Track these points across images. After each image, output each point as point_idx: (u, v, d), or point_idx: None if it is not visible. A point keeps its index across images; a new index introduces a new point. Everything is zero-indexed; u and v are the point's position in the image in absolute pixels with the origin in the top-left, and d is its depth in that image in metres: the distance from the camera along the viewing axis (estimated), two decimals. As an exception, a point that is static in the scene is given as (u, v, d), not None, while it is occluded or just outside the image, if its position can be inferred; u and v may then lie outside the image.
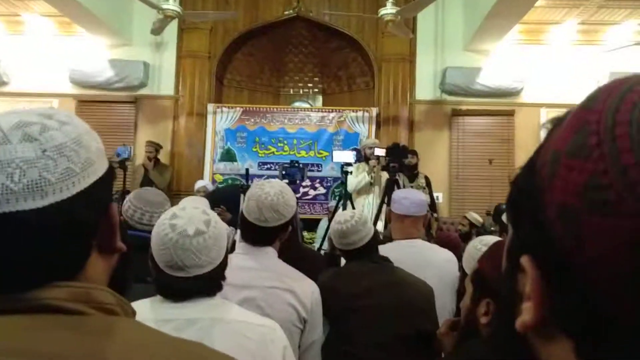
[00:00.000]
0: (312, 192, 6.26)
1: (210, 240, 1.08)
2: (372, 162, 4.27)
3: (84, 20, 5.81)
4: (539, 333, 0.36)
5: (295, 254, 2.09)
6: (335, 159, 3.89)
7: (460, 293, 1.45)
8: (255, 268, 1.60)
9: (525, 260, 0.35)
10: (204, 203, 2.35)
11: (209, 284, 1.08)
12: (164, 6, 4.89)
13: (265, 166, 6.27)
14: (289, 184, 3.09)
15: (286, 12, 6.60)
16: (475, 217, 5.17)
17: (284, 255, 1.76)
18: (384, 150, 3.65)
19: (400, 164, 3.60)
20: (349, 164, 3.74)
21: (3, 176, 0.48)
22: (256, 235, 1.65)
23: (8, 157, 0.49)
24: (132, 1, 5.98)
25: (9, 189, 0.48)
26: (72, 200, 0.51)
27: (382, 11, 4.92)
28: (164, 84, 6.61)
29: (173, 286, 1.06)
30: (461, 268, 1.44)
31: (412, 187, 5.44)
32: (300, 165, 3.27)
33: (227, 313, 1.10)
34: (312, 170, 6.25)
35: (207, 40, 6.59)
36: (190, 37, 6.57)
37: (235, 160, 6.32)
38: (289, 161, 3.34)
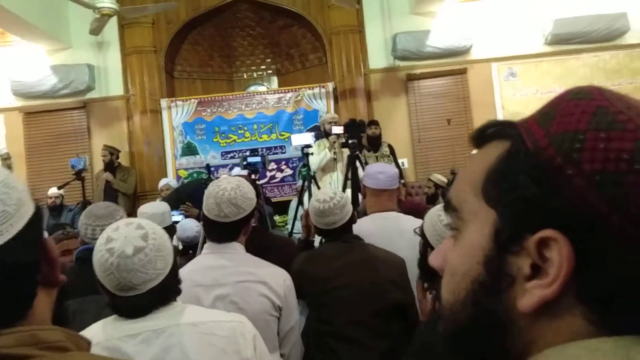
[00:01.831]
0: (279, 175, 6.24)
1: (152, 253, 1.06)
2: (332, 137, 4.27)
3: (16, 27, 5.53)
4: (546, 311, 0.36)
5: (266, 244, 2.11)
6: (294, 143, 3.88)
7: (422, 256, 1.49)
8: (223, 265, 1.61)
9: (553, 234, 0.36)
10: (162, 207, 2.31)
11: (165, 293, 1.08)
12: (99, 5, 4.69)
13: (229, 155, 6.21)
14: (251, 173, 3.09)
15: (228, -4, 6.44)
16: (439, 177, 5.28)
17: (253, 247, 1.78)
18: (342, 128, 3.66)
19: (359, 139, 3.62)
20: (309, 146, 3.73)
21: None
22: (220, 232, 1.65)
23: None
24: (66, 2, 5.72)
25: None
26: (11, 242, 0.51)
27: None
28: (112, 84, 6.40)
29: (129, 305, 1.05)
30: (422, 232, 1.47)
31: (376, 157, 5.51)
32: (261, 152, 3.25)
33: (193, 316, 1.11)
34: (277, 153, 6.23)
35: (150, 34, 6.38)
36: (133, 33, 6.35)
37: (198, 153, 6.23)
38: (248, 150, 3.31)
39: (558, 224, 0.36)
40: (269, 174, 6.10)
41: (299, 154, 5.94)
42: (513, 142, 0.40)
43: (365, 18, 6.48)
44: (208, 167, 3.67)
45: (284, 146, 6.22)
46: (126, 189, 5.71)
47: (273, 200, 5.54)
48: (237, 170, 3.81)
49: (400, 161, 6.04)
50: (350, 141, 3.59)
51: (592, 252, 0.35)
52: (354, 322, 1.79)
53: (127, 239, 1.05)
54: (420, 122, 6.45)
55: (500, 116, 6.39)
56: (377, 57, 6.51)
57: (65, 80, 6.16)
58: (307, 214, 2.13)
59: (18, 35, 5.84)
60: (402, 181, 5.75)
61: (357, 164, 3.54)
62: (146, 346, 1.02)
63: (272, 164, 6.11)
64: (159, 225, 2.15)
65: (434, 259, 0.47)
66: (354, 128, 3.66)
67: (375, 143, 5.50)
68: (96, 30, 5.07)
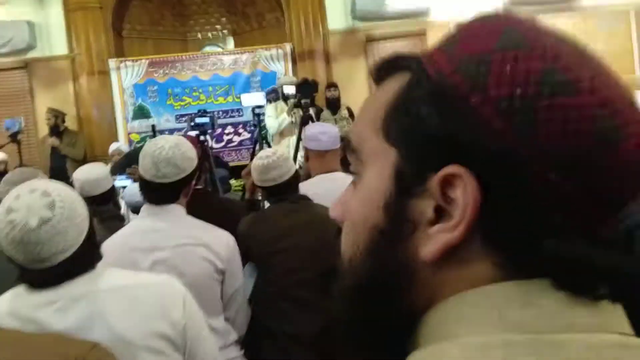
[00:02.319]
0: (236, 139, 6.10)
1: (61, 224, 0.94)
2: (292, 100, 4.18)
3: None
4: (451, 258, 0.32)
5: (211, 207, 2.04)
6: (244, 103, 3.76)
7: None
8: (162, 228, 1.53)
9: (457, 170, 0.31)
10: (96, 171, 2.15)
11: (82, 261, 0.99)
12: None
13: (184, 118, 5.99)
14: (200, 134, 2.97)
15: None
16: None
17: (197, 210, 1.70)
18: (294, 87, 3.57)
19: (312, 99, 3.54)
20: (260, 106, 3.63)
21: None
22: (158, 193, 1.56)
23: None
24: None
25: None
26: None
27: None
28: (56, 43, 6.01)
29: (42, 278, 0.95)
30: None
31: (335, 119, 5.45)
32: (210, 113, 3.13)
33: (115, 281, 1.03)
34: (233, 117, 6.07)
35: (95, -12, 5.99)
36: (76, -13, 5.94)
37: (150, 116, 5.98)
38: (196, 111, 3.18)
39: (464, 159, 0.31)
40: (226, 137, 5.96)
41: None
42: (415, 72, 0.35)
43: (324, -25, 6.28)
44: (154, 128, 3.48)
45: (241, 109, 6.04)
46: (75, 155, 5.45)
47: (231, 164, 5.41)
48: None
49: (359, 124, 6.01)
50: (302, 101, 3.51)
51: (499, 188, 0.31)
52: (303, 283, 1.77)
53: (30, 209, 0.92)
54: (380, 84, 6.39)
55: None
56: (337, 18, 6.35)
57: (3, 37, 5.74)
58: (248, 173, 2.06)
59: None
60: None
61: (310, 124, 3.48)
62: (63, 314, 0.94)
63: (229, 127, 5.96)
64: (96, 191, 2.06)
65: (333, 210, 0.42)
66: (306, 88, 3.56)
67: (334, 106, 5.43)
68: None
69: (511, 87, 0.30)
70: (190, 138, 2.06)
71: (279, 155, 1.87)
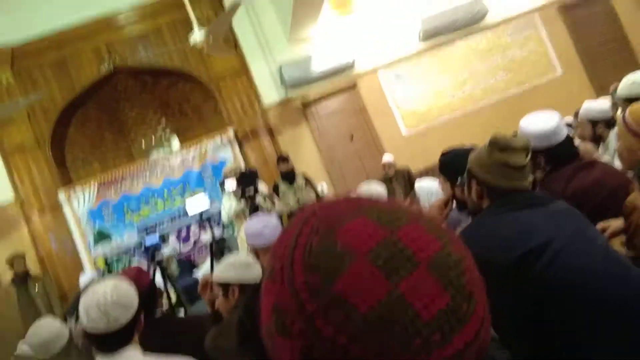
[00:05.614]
0: (204, 237, 6.02)
1: None
2: (237, 193, 4.16)
3: None
4: None
5: (173, 331, 1.98)
6: (189, 212, 3.73)
7: None
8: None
9: None
10: (50, 333, 2.06)
11: None
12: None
13: (147, 229, 5.90)
14: (153, 254, 2.91)
15: (103, 70, 6.23)
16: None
17: (159, 338, 1.64)
18: (234, 181, 3.58)
19: (254, 187, 3.56)
20: (204, 213, 3.60)
21: None
22: (112, 340, 1.49)
23: None
24: None
25: None
26: None
27: (192, 38, 4.79)
28: (0, 190, 5.93)
29: None
30: None
31: (294, 190, 5.46)
32: (159, 227, 3.09)
33: None
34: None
35: (29, 128, 6.01)
36: (9, 131, 5.95)
37: (111, 238, 5.87)
38: (154, 225, 3.12)
39: None
40: (192, 237, 5.88)
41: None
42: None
43: (247, 57, 6.50)
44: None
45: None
46: (52, 298, 5.23)
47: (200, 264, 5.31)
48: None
49: (319, 186, 6.06)
50: (246, 192, 3.51)
51: None
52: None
53: None
54: (328, 143, 6.52)
55: (399, 117, 6.62)
56: (269, 92, 6.54)
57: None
58: (204, 287, 1.96)
59: None
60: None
61: (258, 211, 3.47)
62: None
63: (193, 226, 5.89)
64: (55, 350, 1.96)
65: None
66: (245, 178, 3.58)
67: (290, 177, 5.47)
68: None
69: None
70: (136, 270, 2.00)
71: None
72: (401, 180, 5.44)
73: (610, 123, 2.94)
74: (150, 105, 7.01)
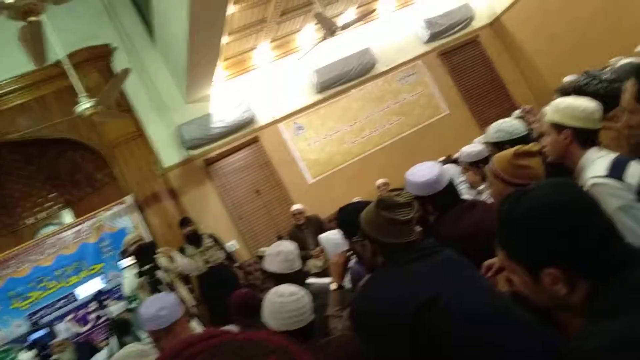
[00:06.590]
0: (103, 316, 5.49)
1: None
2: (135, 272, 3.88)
3: None
4: None
5: None
6: (80, 297, 3.42)
7: None
8: None
9: None
10: None
11: None
12: None
13: (38, 314, 5.28)
14: (40, 351, 2.56)
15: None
16: (263, 249, 5.20)
17: None
18: (133, 258, 3.35)
19: (153, 262, 3.34)
20: (101, 293, 3.32)
21: None
22: None
23: None
24: None
25: None
26: None
27: (78, 109, 4.46)
28: None
29: None
30: None
31: (201, 252, 5.21)
32: (47, 320, 2.71)
33: None
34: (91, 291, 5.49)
35: None
36: None
37: (-4, 330, 5.17)
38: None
39: None
40: (91, 316, 5.34)
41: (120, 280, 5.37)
42: None
43: (142, 120, 6.28)
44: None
45: (100, 279, 5.53)
46: None
47: (103, 345, 4.80)
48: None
49: (229, 244, 5.85)
50: (145, 268, 3.27)
51: None
52: None
53: None
54: (234, 200, 6.38)
55: (303, 167, 6.68)
56: (170, 154, 6.33)
57: None
58: None
59: None
60: (236, 264, 5.56)
61: (158, 286, 3.25)
62: None
63: (92, 304, 5.37)
64: None
65: None
66: (143, 254, 3.36)
67: (195, 240, 5.23)
68: None
69: None
70: None
71: None
72: (312, 228, 5.40)
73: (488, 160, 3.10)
74: (37, 178, 6.48)
